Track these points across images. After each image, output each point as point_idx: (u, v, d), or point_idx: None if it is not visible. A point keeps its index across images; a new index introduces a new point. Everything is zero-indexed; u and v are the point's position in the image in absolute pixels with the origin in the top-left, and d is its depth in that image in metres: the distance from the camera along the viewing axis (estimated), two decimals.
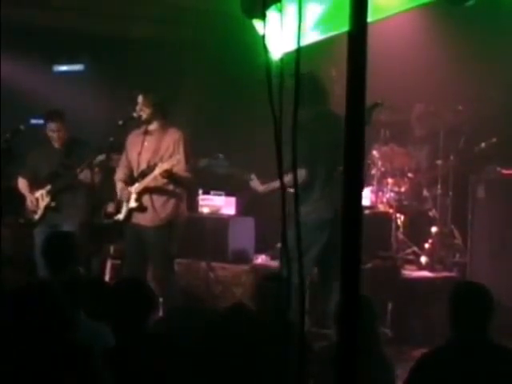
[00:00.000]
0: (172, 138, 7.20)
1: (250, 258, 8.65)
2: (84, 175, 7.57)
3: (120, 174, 7.39)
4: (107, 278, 8.18)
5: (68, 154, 7.78)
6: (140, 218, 7.19)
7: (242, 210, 9.03)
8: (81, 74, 10.47)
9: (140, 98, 7.20)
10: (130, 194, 7.19)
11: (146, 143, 7.23)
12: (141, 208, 7.15)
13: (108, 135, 7.56)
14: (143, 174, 7.17)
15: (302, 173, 6.28)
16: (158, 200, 7.18)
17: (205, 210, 8.98)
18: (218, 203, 9.04)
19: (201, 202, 8.99)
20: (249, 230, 8.83)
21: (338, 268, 1.99)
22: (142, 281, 4.90)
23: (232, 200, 9.04)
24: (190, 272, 8.30)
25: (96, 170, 7.52)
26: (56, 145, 7.89)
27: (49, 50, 10.18)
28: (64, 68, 10.56)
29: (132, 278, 5.63)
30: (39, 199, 7.83)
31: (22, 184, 7.99)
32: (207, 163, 7.02)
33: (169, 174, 7.03)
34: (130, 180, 7.29)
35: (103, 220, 8.21)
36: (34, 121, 9.65)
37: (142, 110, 7.19)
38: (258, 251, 8.76)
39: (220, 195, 9.05)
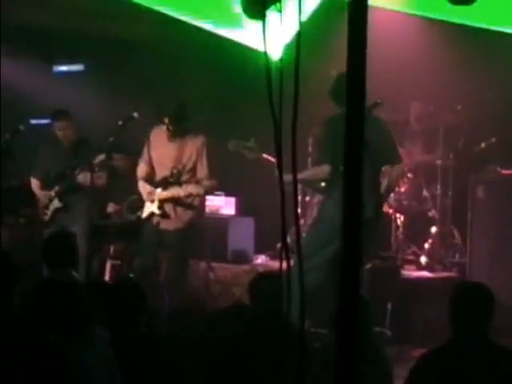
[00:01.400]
0: (195, 144, 7.21)
1: (249, 258, 8.65)
2: (83, 177, 7.56)
3: (142, 171, 7.40)
4: (107, 278, 8.18)
5: (75, 155, 7.77)
6: (161, 222, 7.23)
7: (241, 209, 9.04)
8: (81, 74, 10.46)
9: (167, 121, 7.17)
10: (153, 195, 7.19)
11: (168, 148, 7.24)
12: (164, 216, 7.20)
13: (108, 135, 7.56)
14: (166, 183, 7.19)
15: (325, 168, 6.33)
16: (181, 206, 7.21)
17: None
18: (217, 203, 9.04)
19: None
20: (249, 230, 8.83)
21: None
22: (135, 281, 4.90)
23: (232, 200, 9.04)
24: (190, 272, 8.29)
25: (98, 171, 7.50)
26: (64, 145, 7.89)
27: (49, 50, 10.17)
28: (64, 68, 10.55)
29: (127, 279, 5.64)
30: (48, 200, 7.84)
31: (35, 184, 8.00)
32: (236, 145, 7.03)
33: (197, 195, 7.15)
34: (152, 180, 7.32)
35: (103, 220, 8.21)
36: (34, 121, 9.64)
37: (170, 128, 7.17)
38: (258, 251, 8.76)
39: (220, 195, 9.05)
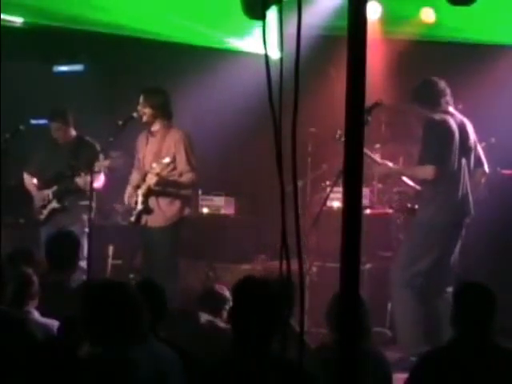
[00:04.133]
0: (173, 139, 7.23)
1: (250, 258, 8.65)
2: (83, 181, 7.49)
3: (133, 177, 7.45)
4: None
5: (75, 155, 7.71)
6: (148, 219, 7.24)
7: (241, 209, 9.05)
8: (81, 74, 10.46)
9: (141, 99, 7.21)
10: (136, 197, 7.21)
11: (149, 145, 7.28)
12: (147, 210, 7.19)
13: (108, 135, 7.56)
14: (145, 177, 7.21)
15: (428, 169, 6.47)
16: (164, 201, 7.21)
17: (205, 210, 8.99)
18: (217, 203, 9.04)
19: (201, 202, 8.99)
20: (249, 230, 8.83)
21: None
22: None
23: (232, 200, 9.04)
24: (190, 272, 8.30)
25: (100, 174, 7.48)
26: (62, 145, 7.88)
27: (49, 50, 10.17)
28: (64, 68, 10.55)
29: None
30: (45, 199, 7.81)
31: (29, 181, 7.97)
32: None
33: (161, 179, 7.05)
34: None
35: (103, 220, 8.22)
36: (34, 121, 9.64)
37: (143, 111, 7.18)
38: (258, 251, 8.76)
39: (220, 195, 9.06)
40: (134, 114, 7.24)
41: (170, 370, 3.74)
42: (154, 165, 7.08)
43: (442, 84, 6.70)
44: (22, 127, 7.75)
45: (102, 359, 3.54)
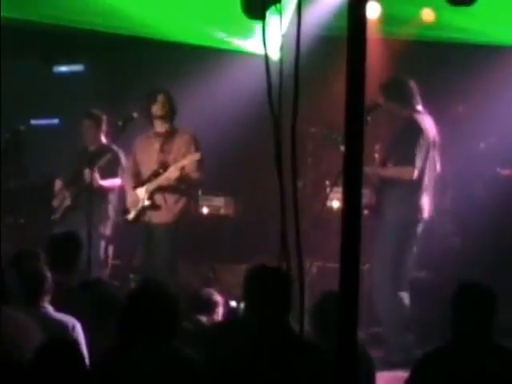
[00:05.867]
0: (182, 140, 7.27)
1: (250, 258, 8.64)
2: (88, 176, 7.41)
3: (129, 179, 7.44)
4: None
5: (95, 158, 7.61)
6: (152, 216, 7.24)
7: (241, 209, 9.05)
8: (81, 74, 10.47)
9: (161, 97, 7.20)
10: (138, 198, 7.21)
11: (156, 145, 7.28)
12: (154, 206, 7.22)
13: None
14: (156, 174, 7.22)
15: (409, 170, 6.47)
16: (171, 198, 7.25)
17: (205, 210, 8.99)
18: (217, 203, 9.05)
19: (201, 202, 9.00)
20: (249, 230, 8.83)
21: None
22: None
23: (232, 200, 9.05)
24: (190, 272, 8.30)
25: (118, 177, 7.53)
26: (91, 148, 7.82)
27: (49, 50, 10.17)
28: (64, 68, 10.55)
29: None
30: (63, 199, 7.78)
31: (59, 187, 7.90)
32: (327, 133, 6.99)
33: (182, 175, 7.08)
34: (139, 182, 7.32)
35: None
36: (33, 121, 9.64)
37: (161, 110, 7.20)
38: (258, 251, 8.76)
39: (220, 195, 9.06)
40: (134, 114, 7.24)
41: (187, 371, 3.74)
42: (182, 159, 7.08)
43: (412, 83, 6.67)
44: (22, 127, 7.75)
45: (108, 361, 3.55)
